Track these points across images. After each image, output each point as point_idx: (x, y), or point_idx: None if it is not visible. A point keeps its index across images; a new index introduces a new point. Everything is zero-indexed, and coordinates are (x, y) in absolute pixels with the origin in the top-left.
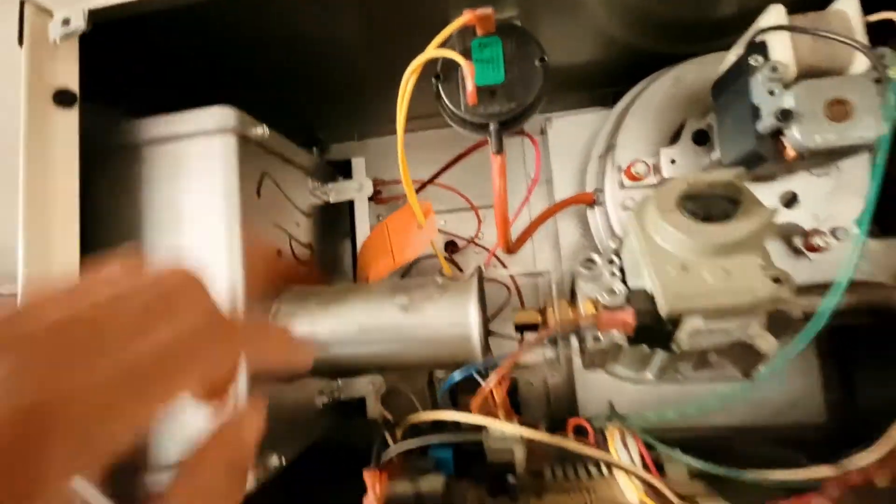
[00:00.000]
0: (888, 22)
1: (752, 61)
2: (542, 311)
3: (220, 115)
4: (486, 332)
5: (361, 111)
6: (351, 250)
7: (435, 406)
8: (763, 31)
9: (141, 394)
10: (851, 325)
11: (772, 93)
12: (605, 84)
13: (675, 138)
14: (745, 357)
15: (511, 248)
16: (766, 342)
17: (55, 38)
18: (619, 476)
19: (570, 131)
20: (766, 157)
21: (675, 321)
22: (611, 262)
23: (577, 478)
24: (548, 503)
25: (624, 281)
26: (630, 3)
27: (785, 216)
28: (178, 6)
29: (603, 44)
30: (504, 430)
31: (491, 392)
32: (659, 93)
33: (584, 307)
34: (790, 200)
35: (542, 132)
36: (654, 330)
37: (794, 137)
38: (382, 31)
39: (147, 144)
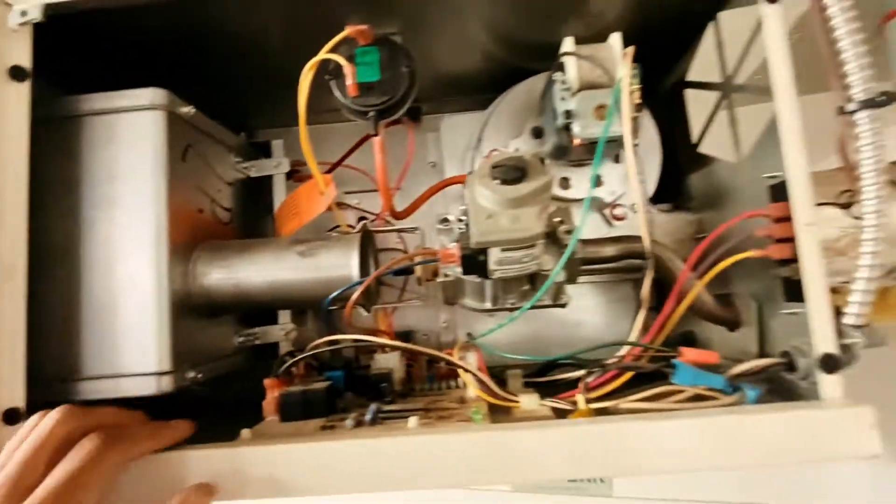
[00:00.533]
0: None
1: (555, 77)
2: (412, 258)
3: (152, 94)
4: (378, 280)
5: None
6: (271, 221)
7: None
8: (561, 55)
9: None
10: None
11: (563, 99)
12: (486, 90)
13: None
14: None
15: (398, 214)
16: (551, 266)
17: (13, 25)
18: (465, 377)
19: (457, 128)
20: (565, 145)
21: (484, 252)
22: (460, 220)
23: (439, 389)
24: (410, 402)
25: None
26: (499, 27)
27: (593, 193)
28: (125, 6)
29: (482, 58)
30: (376, 342)
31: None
32: (515, 99)
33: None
34: (596, 181)
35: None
36: (475, 260)
37: (576, 131)
38: (300, 34)
39: (87, 115)
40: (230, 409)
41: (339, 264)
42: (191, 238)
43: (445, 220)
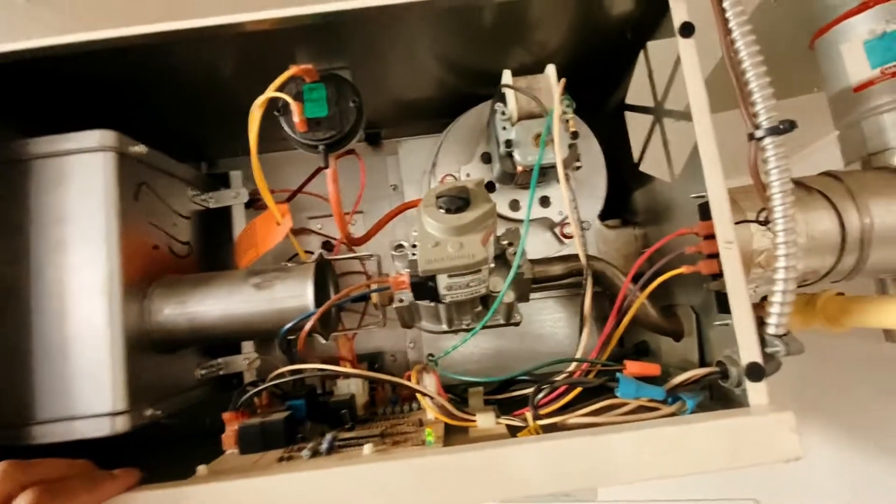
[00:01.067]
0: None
1: (496, 108)
2: (368, 286)
3: (100, 136)
4: (338, 307)
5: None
6: (233, 251)
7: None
8: (501, 86)
9: None
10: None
11: (504, 129)
12: (443, 115)
13: None
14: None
15: (355, 241)
16: (500, 287)
17: None
18: (422, 400)
19: (415, 152)
20: (509, 171)
21: (433, 278)
22: (413, 245)
23: (401, 412)
24: (369, 427)
25: None
26: (448, 56)
27: (542, 213)
28: (75, 53)
29: (435, 85)
30: (332, 370)
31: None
32: (466, 125)
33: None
34: (544, 201)
35: (395, 153)
36: (425, 287)
37: (517, 158)
38: (252, 70)
39: (35, 158)
40: (195, 442)
41: (294, 295)
42: (146, 275)
43: (400, 247)
